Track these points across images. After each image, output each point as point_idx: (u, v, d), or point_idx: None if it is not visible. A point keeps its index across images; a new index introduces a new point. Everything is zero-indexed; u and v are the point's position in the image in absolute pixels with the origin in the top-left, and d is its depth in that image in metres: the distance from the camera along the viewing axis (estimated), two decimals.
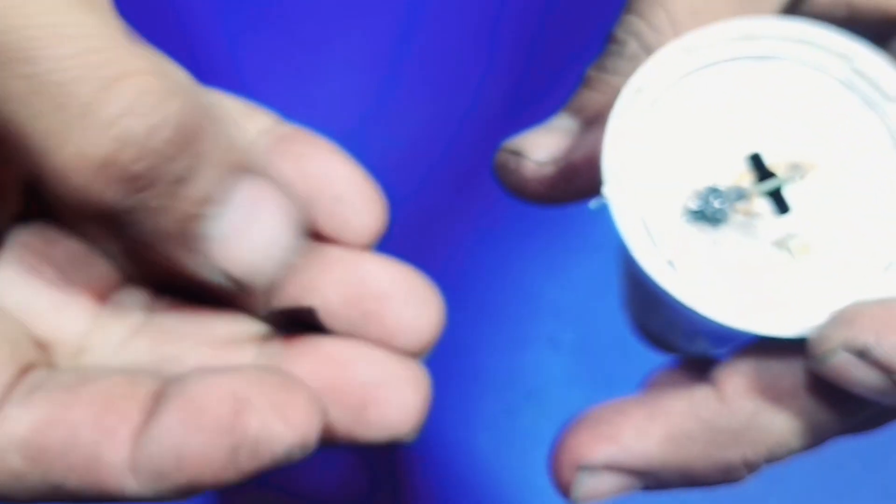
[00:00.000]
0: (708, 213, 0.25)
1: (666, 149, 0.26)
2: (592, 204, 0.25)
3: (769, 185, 0.26)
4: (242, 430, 0.22)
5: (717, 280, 0.25)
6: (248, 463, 0.22)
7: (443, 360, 0.59)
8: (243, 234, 0.23)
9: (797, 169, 0.26)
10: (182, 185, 0.21)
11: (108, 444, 0.21)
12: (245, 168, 0.23)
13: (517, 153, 0.28)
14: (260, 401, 0.22)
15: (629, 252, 0.24)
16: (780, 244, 0.26)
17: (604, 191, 0.24)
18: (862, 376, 0.22)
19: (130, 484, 0.21)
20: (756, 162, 0.26)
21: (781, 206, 0.26)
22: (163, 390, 0.22)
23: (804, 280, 0.25)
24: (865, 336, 0.22)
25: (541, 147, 0.28)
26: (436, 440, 0.58)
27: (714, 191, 0.25)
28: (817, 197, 0.26)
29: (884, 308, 0.22)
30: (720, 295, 0.25)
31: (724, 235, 0.26)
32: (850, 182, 0.26)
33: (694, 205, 0.25)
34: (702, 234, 0.26)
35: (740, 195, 0.25)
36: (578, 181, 0.27)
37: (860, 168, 0.26)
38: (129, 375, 0.23)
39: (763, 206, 0.26)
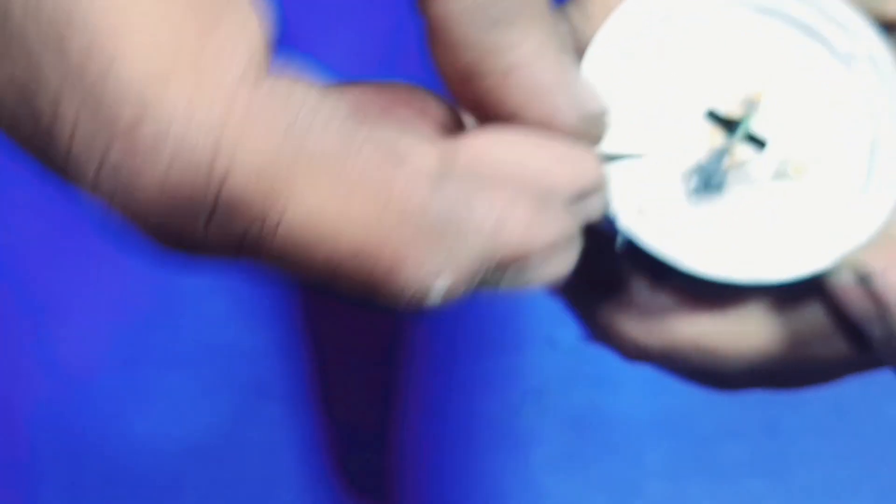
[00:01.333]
0: (710, 186, 0.26)
1: (639, 119, 0.27)
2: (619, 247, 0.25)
3: (738, 131, 0.26)
4: None
5: (743, 241, 0.26)
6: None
7: (443, 359, 0.59)
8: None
9: (749, 103, 0.26)
10: None
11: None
12: None
13: None
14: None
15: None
16: (780, 175, 0.26)
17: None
18: (855, 300, 0.23)
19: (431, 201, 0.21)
20: (714, 116, 0.26)
21: (758, 143, 0.26)
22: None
23: (810, 212, 0.26)
24: (875, 263, 0.23)
25: None
26: (436, 438, 0.58)
27: (700, 168, 0.26)
28: (783, 119, 0.27)
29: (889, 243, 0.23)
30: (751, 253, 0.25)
31: (731, 196, 0.26)
32: (803, 98, 0.27)
33: (692, 185, 0.26)
34: (713, 205, 0.26)
35: (722, 155, 0.26)
36: None
37: (807, 85, 0.27)
38: None
39: (745, 150, 0.26)
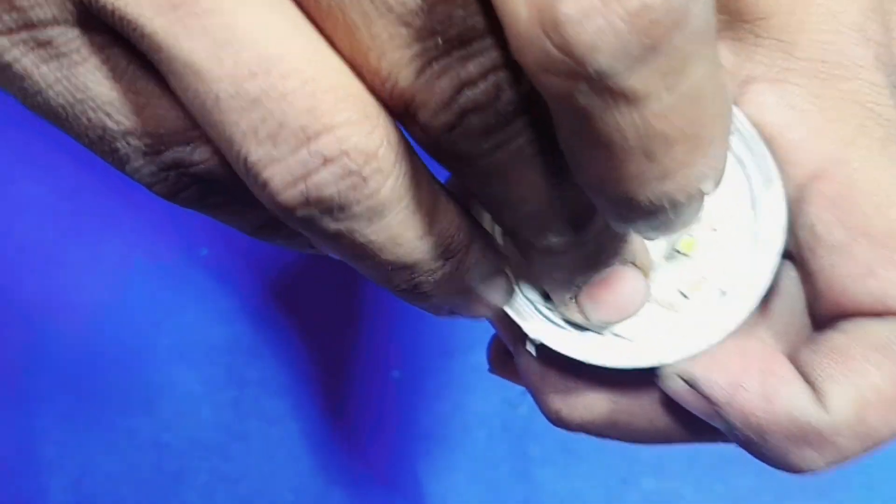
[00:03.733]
0: None
1: None
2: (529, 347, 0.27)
3: None
4: None
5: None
6: None
7: (444, 356, 0.60)
8: (607, 288, 0.24)
9: None
10: None
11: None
12: None
13: None
14: None
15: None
16: (671, 256, 0.27)
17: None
18: (692, 401, 0.24)
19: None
20: None
21: None
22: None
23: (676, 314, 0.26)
24: (695, 370, 0.24)
25: None
26: (433, 433, 0.59)
27: None
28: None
29: (720, 350, 0.25)
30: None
31: None
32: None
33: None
34: None
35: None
36: None
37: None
38: None
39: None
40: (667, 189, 0.18)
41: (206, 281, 0.61)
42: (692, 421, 0.25)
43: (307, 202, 0.17)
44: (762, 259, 0.26)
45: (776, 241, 0.25)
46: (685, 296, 0.26)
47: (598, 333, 0.26)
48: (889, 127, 0.25)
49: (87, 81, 0.18)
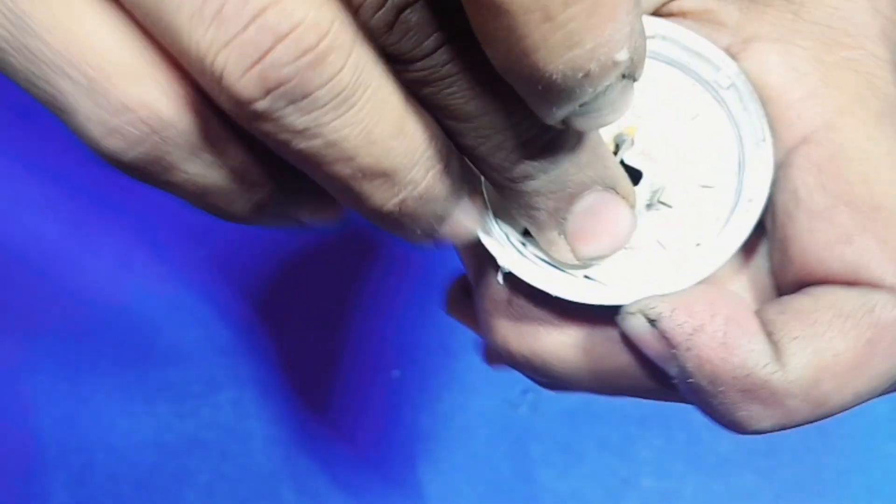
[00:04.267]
0: None
1: None
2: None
3: None
4: None
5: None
6: None
7: (444, 356, 0.60)
8: (596, 218, 0.24)
9: (621, 138, 0.27)
10: None
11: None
12: None
13: None
14: None
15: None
16: (652, 205, 0.26)
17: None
18: (650, 342, 0.24)
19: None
20: None
21: (634, 175, 0.26)
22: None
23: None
24: (661, 307, 0.23)
25: None
26: (436, 434, 0.59)
27: None
28: (657, 151, 0.27)
29: (691, 291, 0.24)
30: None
31: None
32: (675, 129, 0.27)
33: None
34: None
35: None
36: None
37: (679, 116, 0.27)
38: None
39: None
40: (575, 56, 0.18)
41: (206, 281, 0.61)
42: (650, 369, 0.25)
43: (266, 90, 0.17)
44: (743, 216, 0.25)
45: (759, 200, 0.25)
46: (662, 246, 0.26)
47: (571, 275, 0.25)
48: (885, 101, 0.25)
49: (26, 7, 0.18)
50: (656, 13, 0.28)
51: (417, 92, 0.20)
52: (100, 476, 0.59)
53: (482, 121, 0.21)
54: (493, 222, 0.26)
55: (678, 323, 0.23)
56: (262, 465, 0.58)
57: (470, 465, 0.58)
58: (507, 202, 0.24)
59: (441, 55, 0.19)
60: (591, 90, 0.19)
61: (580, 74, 0.18)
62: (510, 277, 0.25)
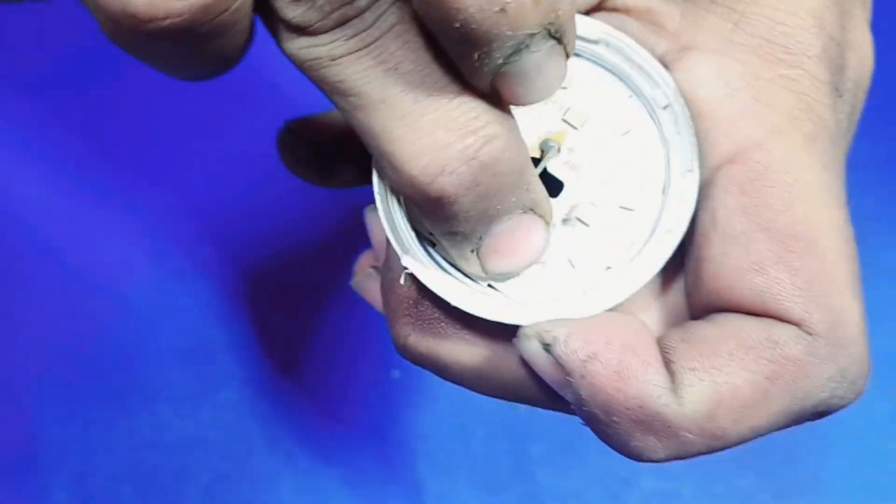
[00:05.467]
0: None
1: None
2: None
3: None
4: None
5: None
6: None
7: None
8: (512, 238, 0.24)
9: (547, 144, 0.26)
10: None
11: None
12: None
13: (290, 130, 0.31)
14: None
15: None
16: (568, 220, 0.26)
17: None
18: (545, 366, 0.23)
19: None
20: None
21: (555, 185, 0.26)
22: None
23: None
24: (557, 332, 0.23)
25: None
26: (436, 434, 0.59)
27: None
28: (580, 163, 0.26)
29: (592, 318, 0.24)
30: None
31: None
32: (606, 141, 0.26)
33: None
34: None
35: None
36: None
37: (612, 127, 0.26)
38: None
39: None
40: None
41: (206, 281, 0.61)
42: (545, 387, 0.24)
43: None
44: (658, 246, 0.25)
45: (677, 232, 0.25)
46: (572, 265, 0.26)
47: (477, 284, 0.25)
48: (819, 124, 0.24)
49: None
50: (599, 6, 0.27)
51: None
52: (100, 476, 0.58)
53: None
54: (402, 219, 0.25)
55: (572, 349, 0.22)
56: (262, 466, 0.58)
57: (470, 465, 0.58)
58: (423, 219, 0.24)
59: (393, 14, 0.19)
60: (510, 34, 0.19)
61: (496, 8, 0.18)
62: (414, 279, 0.25)
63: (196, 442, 0.59)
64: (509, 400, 0.26)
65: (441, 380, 0.64)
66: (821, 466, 0.58)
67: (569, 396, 0.23)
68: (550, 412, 0.62)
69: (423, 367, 0.27)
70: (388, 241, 0.25)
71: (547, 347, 0.23)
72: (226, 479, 0.58)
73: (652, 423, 0.22)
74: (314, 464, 0.59)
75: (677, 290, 0.26)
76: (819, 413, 0.24)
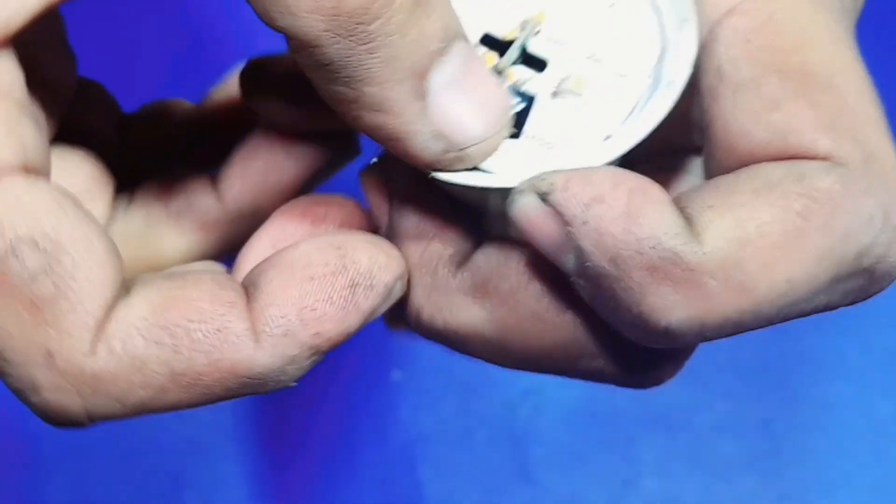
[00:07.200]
0: None
1: None
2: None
3: (512, 53, 0.24)
4: (354, 266, 0.22)
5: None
6: (365, 300, 0.22)
7: (444, 356, 0.59)
8: (463, 90, 0.22)
9: (527, 24, 0.25)
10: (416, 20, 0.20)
11: (230, 313, 0.21)
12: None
13: None
14: (357, 242, 0.22)
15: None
16: (558, 93, 0.25)
17: None
18: (542, 225, 0.20)
19: (260, 354, 0.21)
20: (489, 40, 0.25)
21: (538, 64, 0.25)
22: (250, 276, 0.22)
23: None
24: (555, 179, 0.20)
25: None
26: (437, 435, 0.59)
27: None
28: (566, 37, 0.25)
29: (591, 169, 0.21)
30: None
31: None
32: (588, 13, 0.25)
33: None
34: None
35: (495, 73, 0.24)
36: None
37: (594, 7, 0.25)
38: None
39: (524, 71, 0.25)
40: None
41: None
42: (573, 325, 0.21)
43: None
44: (659, 101, 0.23)
45: (678, 83, 0.23)
46: (569, 137, 0.24)
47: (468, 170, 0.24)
48: None
49: None
50: None
51: None
52: (100, 476, 0.59)
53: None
54: None
55: (572, 193, 0.20)
56: (261, 467, 0.58)
57: (470, 467, 0.58)
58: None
59: None
60: None
61: None
62: (388, 170, 0.24)
63: (195, 443, 0.59)
64: (526, 370, 0.24)
65: (441, 381, 0.64)
66: (824, 468, 0.58)
67: (570, 262, 0.20)
68: (551, 413, 0.62)
69: (435, 341, 0.25)
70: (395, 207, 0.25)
71: (544, 197, 0.20)
72: (225, 481, 0.58)
73: (668, 268, 0.19)
74: (314, 464, 0.59)
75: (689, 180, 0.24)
76: (864, 270, 0.20)
